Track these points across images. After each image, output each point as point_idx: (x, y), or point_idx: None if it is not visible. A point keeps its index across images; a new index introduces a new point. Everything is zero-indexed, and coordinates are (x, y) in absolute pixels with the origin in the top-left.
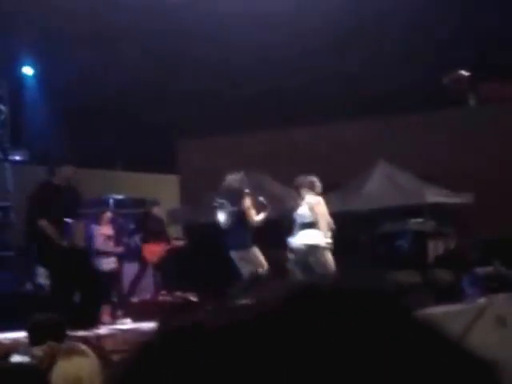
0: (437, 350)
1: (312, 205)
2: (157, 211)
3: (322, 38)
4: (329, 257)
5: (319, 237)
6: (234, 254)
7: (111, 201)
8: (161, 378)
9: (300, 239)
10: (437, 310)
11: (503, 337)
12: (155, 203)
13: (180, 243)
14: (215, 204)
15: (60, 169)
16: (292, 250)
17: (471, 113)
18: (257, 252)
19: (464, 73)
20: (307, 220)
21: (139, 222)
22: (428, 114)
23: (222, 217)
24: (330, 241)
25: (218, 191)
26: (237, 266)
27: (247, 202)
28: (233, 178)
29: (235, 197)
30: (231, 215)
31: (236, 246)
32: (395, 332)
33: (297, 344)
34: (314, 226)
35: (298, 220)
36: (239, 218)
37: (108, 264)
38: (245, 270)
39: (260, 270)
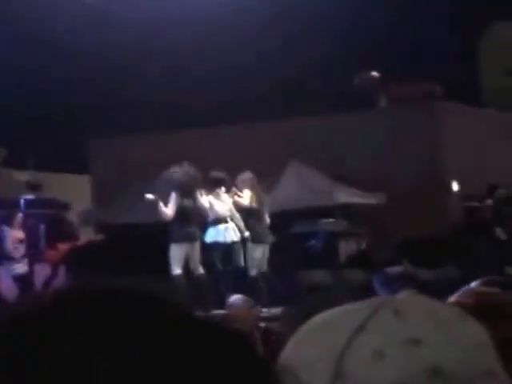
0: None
1: (227, 201)
2: (69, 215)
3: (229, 39)
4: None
5: (236, 232)
6: (178, 248)
7: (22, 201)
8: None
9: (217, 235)
10: (333, 310)
11: (398, 329)
12: (67, 207)
13: (84, 242)
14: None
15: None
16: (211, 247)
17: (382, 113)
18: (198, 249)
19: (374, 74)
20: (222, 216)
21: (50, 224)
22: (339, 114)
23: (168, 210)
24: (247, 235)
25: (162, 184)
26: (170, 264)
27: (200, 192)
28: (180, 171)
29: (185, 189)
30: (184, 208)
31: (187, 238)
32: (146, 329)
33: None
34: (229, 222)
35: (213, 216)
36: (192, 209)
37: (19, 268)
38: (178, 270)
39: (197, 270)
